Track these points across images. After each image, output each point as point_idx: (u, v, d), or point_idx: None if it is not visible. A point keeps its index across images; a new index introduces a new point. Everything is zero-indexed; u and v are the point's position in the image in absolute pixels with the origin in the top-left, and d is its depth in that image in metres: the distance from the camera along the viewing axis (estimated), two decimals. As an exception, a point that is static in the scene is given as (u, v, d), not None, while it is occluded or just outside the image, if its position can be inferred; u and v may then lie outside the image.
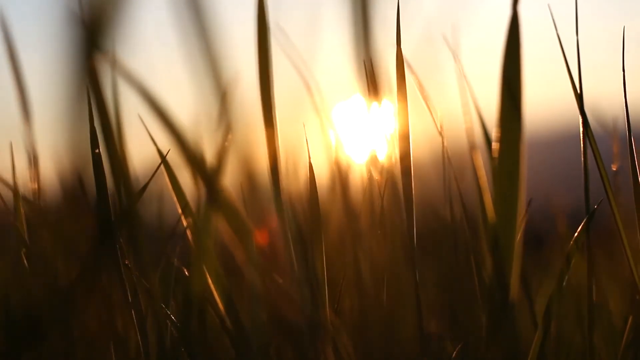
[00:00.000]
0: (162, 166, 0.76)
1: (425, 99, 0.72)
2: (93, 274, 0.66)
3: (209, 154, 0.61)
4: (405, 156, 0.72)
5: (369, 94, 0.65)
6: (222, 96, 0.54)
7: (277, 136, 0.70)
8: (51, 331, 0.67)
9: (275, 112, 0.70)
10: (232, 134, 0.57)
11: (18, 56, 0.81)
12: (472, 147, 0.70)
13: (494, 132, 0.65)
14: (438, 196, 0.76)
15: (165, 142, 0.77)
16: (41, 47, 0.51)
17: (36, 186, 0.78)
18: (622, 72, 0.71)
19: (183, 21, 0.52)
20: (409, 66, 0.72)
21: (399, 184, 0.72)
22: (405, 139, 0.71)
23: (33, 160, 0.79)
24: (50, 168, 0.76)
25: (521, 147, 0.64)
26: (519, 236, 0.67)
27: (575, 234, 0.76)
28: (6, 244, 0.80)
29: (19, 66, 0.81)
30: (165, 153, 0.77)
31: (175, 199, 0.76)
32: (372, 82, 0.64)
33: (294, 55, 0.72)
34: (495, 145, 0.65)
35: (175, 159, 0.76)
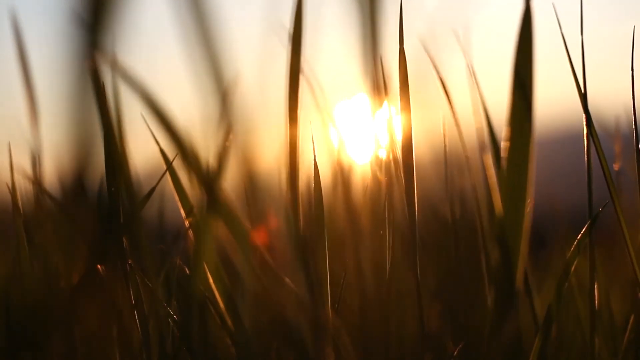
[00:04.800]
0: (164, 166, 0.76)
1: (446, 95, 0.72)
2: (95, 274, 0.66)
3: (210, 156, 0.61)
4: (407, 155, 0.71)
5: (374, 92, 0.65)
6: (223, 97, 0.54)
7: (299, 137, 0.70)
8: (53, 331, 0.67)
9: (299, 113, 0.70)
10: (233, 135, 0.57)
11: (28, 57, 0.81)
12: (481, 145, 0.69)
13: (503, 130, 0.65)
14: (442, 194, 0.76)
15: (166, 143, 0.77)
16: (45, 45, 0.50)
17: (38, 185, 0.78)
18: (630, 72, 0.71)
19: (184, 21, 0.51)
20: (432, 61, 0.72)
21: (402, 182, 0.72)
22: (407, 138, 0.71)
23: (37, 159, 0.78)
24: (53, 167, 0.76)
25: (531, 145, 0.64)
26: (525, 234, 0.67)
27: (578, 237, 0.76)
28: (7, 243, 0.80)
29: (28, 66, 0.81)
30: (167, 153, 0.77)
31: (178, 200, 0.76)
32: (376, 81, 0.64)
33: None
34: (505, 143, 0.64)
35: (178, 160, 0.76)
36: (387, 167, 0.73)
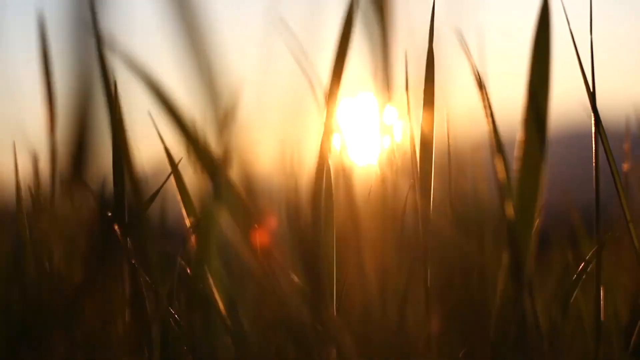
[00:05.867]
0: (169, 166, 0.76)
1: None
2: (98, 273, 0.66)
3: (214, 148, 0.60)
4: (426, 157, 0.71)
5: (383, 92, 0.64)
6: (220, 97, 0.54)
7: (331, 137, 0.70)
8: (54, 330, 0.67)
9: (336, 113, 0.70)
10: (233, 133, 0.57)
11: (50, 52, 0.80)
12: (493, 147, 0.68)
13: (518, 132, 0.64)
14: (452, 195, 0.75)
15: (171, 139, 0.76)
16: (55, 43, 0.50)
17: (39, 182, 0.78)
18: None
19: (174, 24, 0.51)
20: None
21: (416, 183, 0.72)
22: (428, 140, 0.71)
23: (38, 157, 0.78)
24: (58, 165, 0.75)
25: (544, 148, 0.63)
26: (534, 235, 0.67)
27: (587, 257, 0.75)
28: (9, 242, 0.80)
29: (49, 62, 0.80)
30: (172, 152, 0.77)
31: (180, 200, 0.75)
32: (386, 80, 0.63)
33: (298, 51, 0.71)
34: (519, 145, 0.64)
35: (182, 156, 0.75)
36: (394, 167, 0.73)
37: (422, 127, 0.71)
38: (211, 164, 0.61)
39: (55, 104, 0.80)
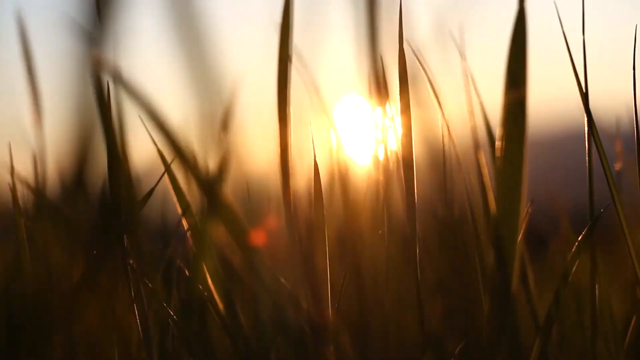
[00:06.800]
0: (164, 166, 0.76)
1: (435, 97, 0.72)
2: (96, 273, 0.66)
3: (208, 159, 0.60)
4: (407, 155, 0.71)
5: (373, 92, 0.65)
6: (220, 99, 0.54)
7: (290, 135, 0.70)
8: (53, 331, 0.67)
9: (290, 111, 0.70)
10: (230, 136, 0.57)
11: (33, 56, 0.81)
12: (476, 145, 0.69)
13: (497, 131, 0.65)
14: (440, 194, 0.76)
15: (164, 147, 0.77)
16: (48, 44, 0.50)
17: (39, 182, 0.78)
18: (632, 71, 0.71)
19: (176, 23, 0.51)
20: (423, 64, 0.72)
21: (401, 181, 0.72)
22: (407, 137, 0.71)
23: (39, 158, 0.78)
24: (54, 165, 0.75)
25: (524, 146, 0.64)
26: (520, 233, 0.67)
27: (579, 238, 0.75)
28: (7, 243, 0.80)
29: (33, 65, 0.81)
30: (165, 155, 0.77)
31: (176, 201, 0.75)
32: (376, 81, 0.64)
33: (295, 53, 0.72)
34: (498, 143, 0.64)
35: (176, 162, 0.76)
36: (386, 167, 0.73)
37: (401, 126, 0.71)
38: (204, 179, 0.61)
39: (40, 99, 0.80)
